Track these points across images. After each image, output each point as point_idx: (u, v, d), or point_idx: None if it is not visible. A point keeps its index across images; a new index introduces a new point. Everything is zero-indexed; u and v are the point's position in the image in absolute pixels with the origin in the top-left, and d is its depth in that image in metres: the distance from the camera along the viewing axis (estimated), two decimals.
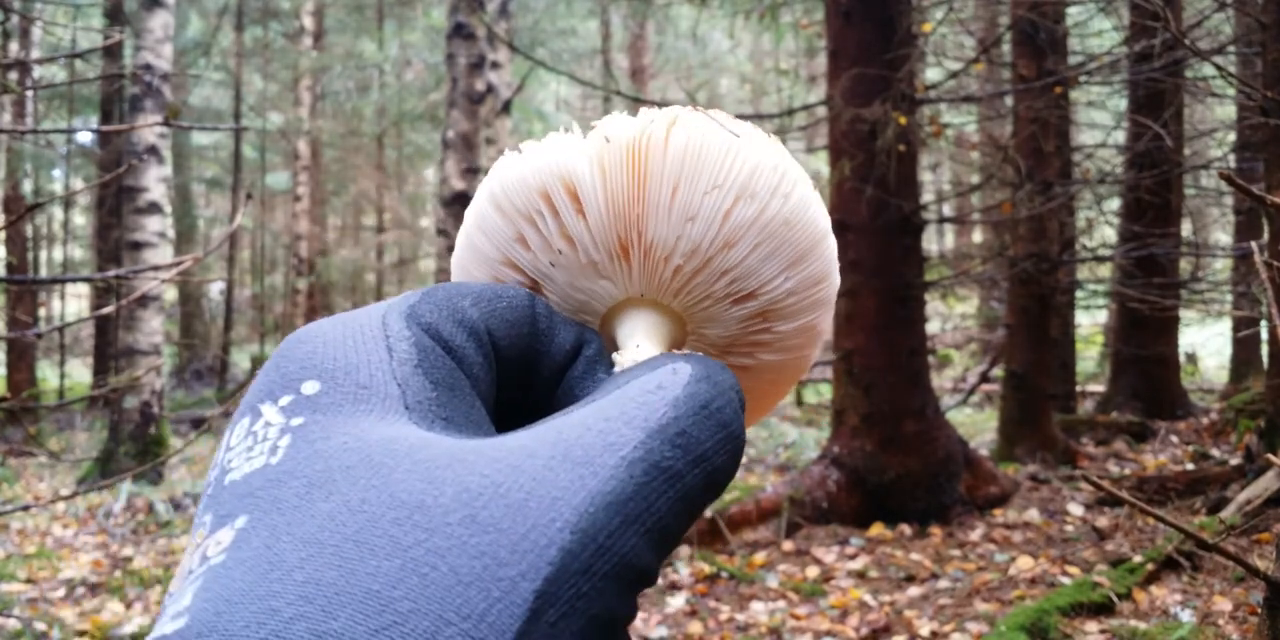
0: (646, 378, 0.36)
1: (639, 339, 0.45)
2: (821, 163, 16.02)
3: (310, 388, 0.35)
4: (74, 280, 2.08)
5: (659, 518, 0.31)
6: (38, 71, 9.97)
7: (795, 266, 0.46)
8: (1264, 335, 7.17)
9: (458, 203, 8.38)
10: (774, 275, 0.45)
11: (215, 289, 18.91)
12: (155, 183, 8.26)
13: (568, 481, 0.30)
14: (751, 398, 0.50)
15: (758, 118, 7.06)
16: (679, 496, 0.32)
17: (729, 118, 0.45)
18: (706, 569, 4.76)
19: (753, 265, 0.45)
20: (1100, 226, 8.89)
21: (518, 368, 0.42)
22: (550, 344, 0.43)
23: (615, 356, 0.44)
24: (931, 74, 7.85)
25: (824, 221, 0.46)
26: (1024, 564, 4.63)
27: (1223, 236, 12.25)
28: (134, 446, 8.05)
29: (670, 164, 0.43)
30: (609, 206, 0.44)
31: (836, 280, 0.49)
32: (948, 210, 11.81)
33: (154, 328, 8.24)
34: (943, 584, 4.49)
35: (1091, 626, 3.69)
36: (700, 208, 0.43)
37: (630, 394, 0.35)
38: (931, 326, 10.55)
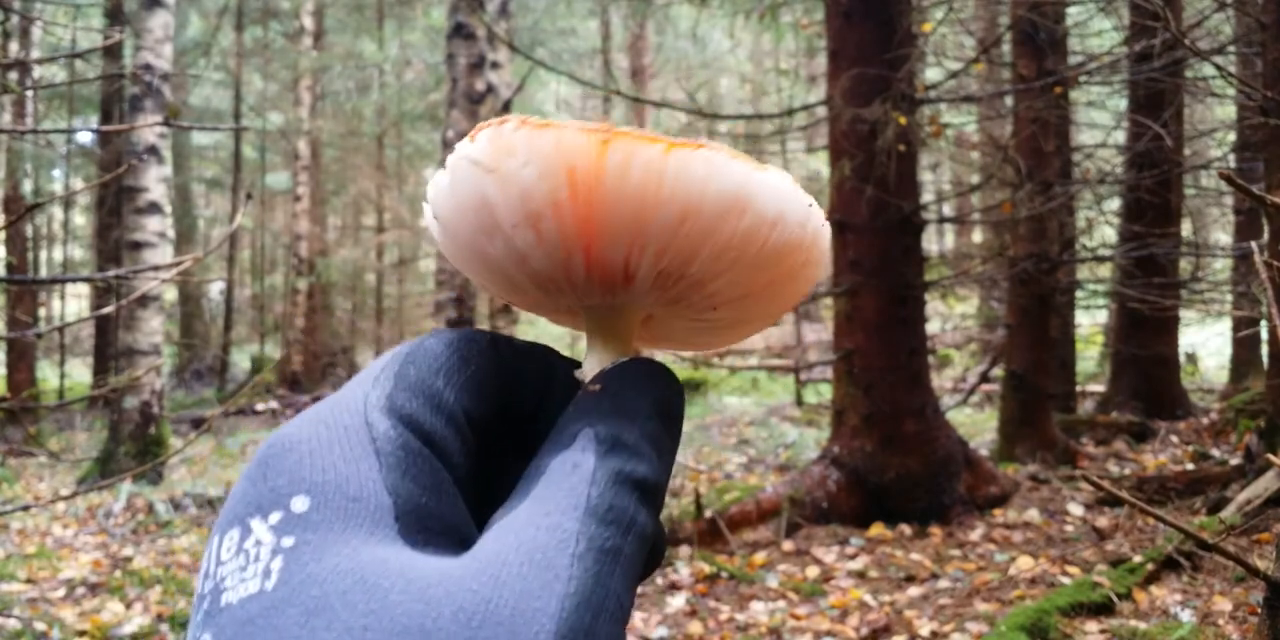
0: (563, 458, 0.39)
1: (596, 348, 0.47)
2: (821, 163, 16.02)
3: (300, 504, 0.36)
4: (74, 280, 2.08)
5: (617, 597, 0.35)
6: (38, 71, 9.97)
7: (774, 283, 0.46)
8: (1264, 335, 7.17)
9: None
10: (749, 288, 0.45)
11: (215, 289, 18.92)
12: (155, 183, 8.26)
13: (539, 589, 0.33)
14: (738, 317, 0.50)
15: (758, 118, 7.06)
16: (624, 570, 0.36)
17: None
18: (706, 569, 4.76)
19: (735, 284, 0.45)
20: (1100, 226, 8.89)
21: (494, 414, 0.44)
22: (521, 385, 0.45)
23: (576, 373, 0.46)
24: (931, 74, 7.85)
25: (813, 250, 0.46)
26: (1024, 564, 4.63)
27: (1223, 236, 12.24)
28: (134, 446, 8.05)
29: (676, 192, 0.41)
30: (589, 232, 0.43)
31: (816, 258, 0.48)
32: (948, 210, 11.81)
33: (154, 328, 8.24)
34: (943, 584, 4.49)
35: (1091, 626, 3.69)
36: (704, 241, 0.42)
37: (555, 480, 0.38)
38: (931, 326, 10.54)
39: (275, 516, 0.36)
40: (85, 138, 15.58)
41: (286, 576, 0.33)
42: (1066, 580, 4.29)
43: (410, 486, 0.37)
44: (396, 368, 0.42)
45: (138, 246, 8.12)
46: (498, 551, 0.35)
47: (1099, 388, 10.25)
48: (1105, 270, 10.22)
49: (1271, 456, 1.49)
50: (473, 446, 0.42)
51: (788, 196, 0.43)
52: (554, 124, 0.40)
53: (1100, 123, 9.50)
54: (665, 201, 0.40)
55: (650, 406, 0.42)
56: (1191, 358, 12.91)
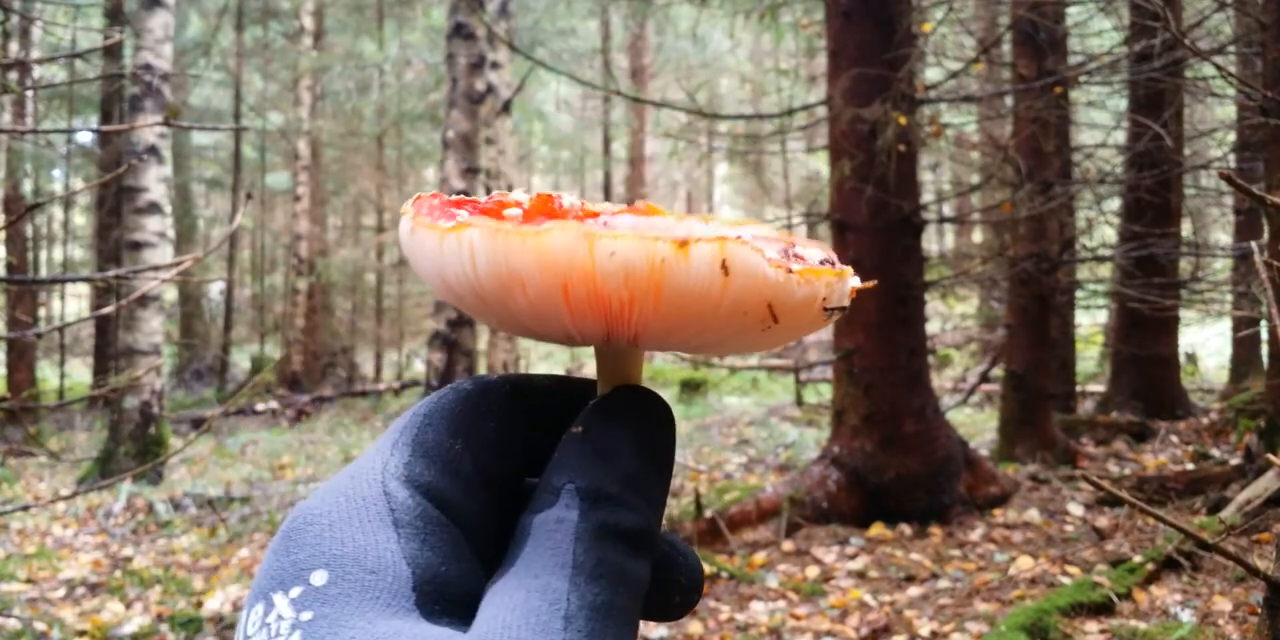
0: (545, 515, 0.39)
1: (603, 378, 0.45)
2: (821, 163, 16.02)
3: (319, 578, 0.37)
4: (74, 280, 2.08)
5: None
6: (38, 71, 9.97)
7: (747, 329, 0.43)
8: (1264, 335, 7.17)
9: None
10: (728, 335, 0.43)
11: (215, 289, 18.92)
12: (155, 183, 8.27)
13: None
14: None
15: (758, 118, 7.06)
16: (619, 622, 0.37)
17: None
18: (706, 569, 4.76)
19: (712, 335, 0.42)
20: (1100, 226, 8.89)
21: (518, 467, 0.44)
22: (547, 429, 0.45)
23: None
24: (931, 74, 7.85)
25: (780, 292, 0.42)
26: (1024, 564, 4.63)
27: (1223, 236, 12.24)
28: (134, 446, 8.06)
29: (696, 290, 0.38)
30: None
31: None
32: (948, 210, 11.80)
33: (154, 328, 8.24)
34: (943, 584, 4.49)
35: (1091, 626, 3.69)
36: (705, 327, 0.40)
37: (540, 539, 0.38)
38: (931, 326, 10.54)
39: (295, 591, 0.36)
40: (85, 138, 15.58)
41: None
42: (1066, 580, 4.29)
43: (429, 555, 0.38)
44: (414, 432, 0.42)
45: (138, 246, 8.12)
46: (496, 617, 0.35)
47: (1099, 388, 10.25)
48: (1105, 270, 10.23)
49: (1271, 456, 1.49)
50: (494, 506, 0.42)
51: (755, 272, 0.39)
52: (471, 224, 0.38)
53: (1100, 123, 9.50)
54: (647, 297, 0.38)
55: (632, 445, 0.41)
56: (1191, 358, 12.92)
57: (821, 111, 6.59)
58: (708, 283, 0.37)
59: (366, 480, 0.40)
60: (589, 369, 14.23)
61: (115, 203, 11.12)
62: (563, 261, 0.37)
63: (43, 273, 17.55)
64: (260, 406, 12.87)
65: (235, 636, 0.37)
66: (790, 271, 0.39)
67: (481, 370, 11.38)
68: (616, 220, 0.47)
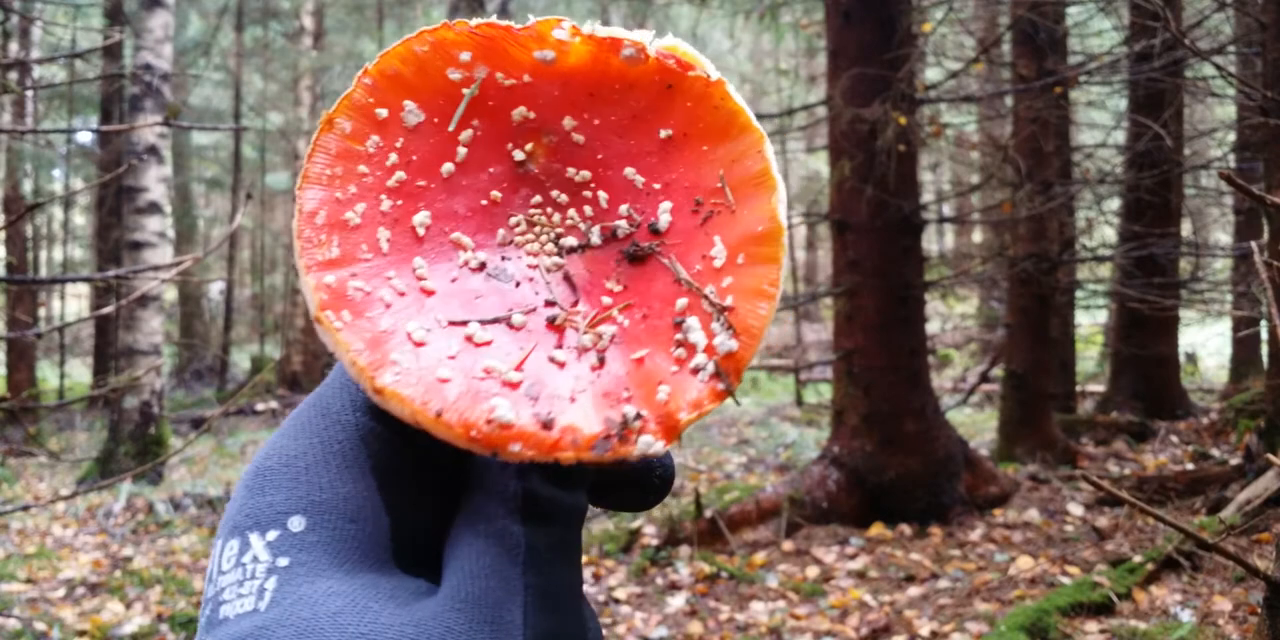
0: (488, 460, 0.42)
1: None
2: (821, 163, 16.02)
3: (296, 524, 0.37)
4: (74, 280, 2.08)
5: (568, 586, 0.40)
6: (38, 71, 9.97)
7: None
8: (1264, 335, 7.17)
9: None
10: None
11: (215, 289, 18.91)
12: (155, 183, 8.26)
13: (506, 599, 0.37)
14: None
15: (758, 117, 7.06)
16: (569, 551, 0.40)
17: None
18: (706, 569, 4.76)
19: None
20: (1100, 226, 8.89)
21: None
22: None
23: None
24: (931, 74, 7.85)
25: None
26: (1024, 564, 4.63)
27: (1223, 236, 12.24)
28: (134, 446, 8.05)
29: None
30: None
31: None
32: (948, 210, 11.81)
33: (154, 328, 8.24)
34: (943, 584, 4.49)
35: (1091, 626, 3.69)
36: None
37: (489, 484, 0.41)
38: (931, 326, 10.54)
39: (272, 534, 0.37)
40: (85, 138, 15.58)
41: (279, 597, 0.35)
42: (1066, 580, 4.29)
43: (404, 504, 0.39)
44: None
45: (138, 246, 8.12)
46: (462, 567, 0.37)
47: (1099, 388, 10.25)
48: (1105, 270, 10.23)
49: (1271, 456, 1.49)
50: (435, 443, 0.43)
51: None
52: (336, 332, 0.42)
53: (1100, 123, 9.50)
54: None
55: None
56: (1191, 358, 12.91)
57: (821, 111, 6.59)
58: None
59: (339, 421, 0.41)
60: None
61: (115, 203, 11.12)
62: None
63: (43, 273, 17.55)
64: (260, 406, 12.87)
65: (209, 566, 0.38)
66: None
67: None
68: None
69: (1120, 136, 8.71)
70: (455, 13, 8.67)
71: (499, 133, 0.54)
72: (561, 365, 0.46)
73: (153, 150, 8.23)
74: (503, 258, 0.52)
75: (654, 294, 0.49)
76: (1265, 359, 7.16)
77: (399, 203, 0.51)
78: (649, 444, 0.43)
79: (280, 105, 17.72)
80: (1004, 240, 8.05)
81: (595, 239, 0.52)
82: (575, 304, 0.50)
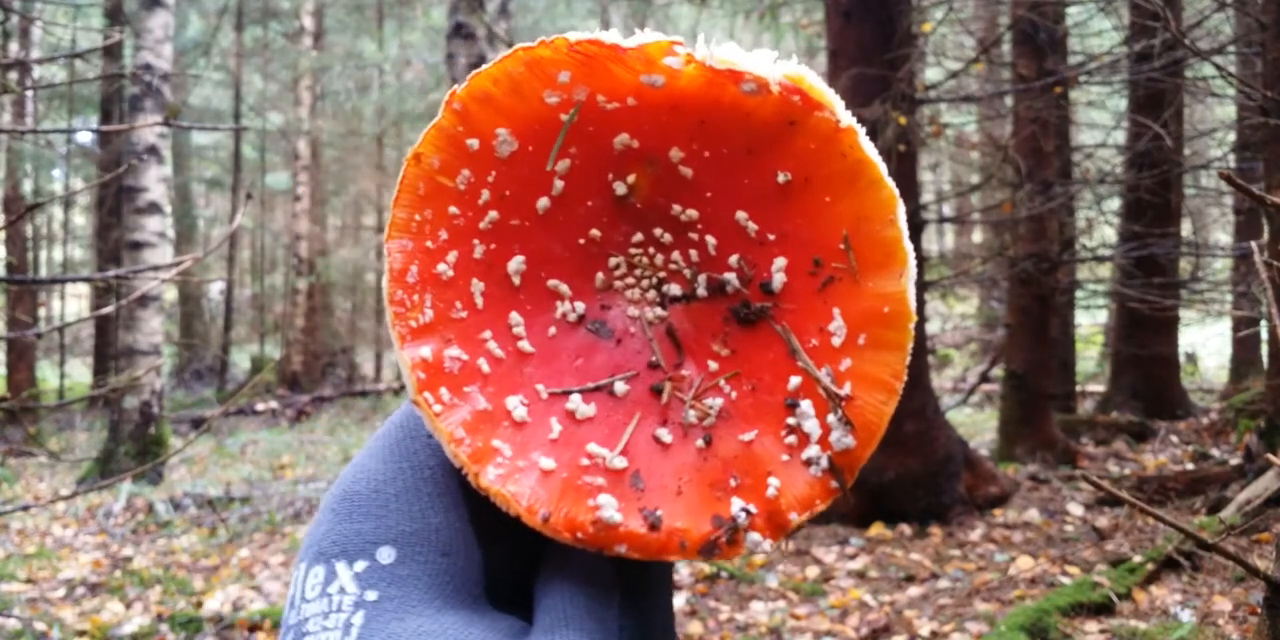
0: None
1: None
2: None
3: (386, 555, 0.35)
4: (74, 280, 2.08)
5: (663, 627, 0.42)
6: (38, 71, 9.97)
7: None
8: (1264, 335, 7.17)
9: None
10: None
11: (215, 289, 18.91)
12: (155, 183, 8.26)
13: None
14: None
15: None
16: (661, 599, 0.41)
17: None
18: (706, 569, 4.76)
19: None
20: (1100, 226, 8.89)
21: None
22: None
23: None
24: (931, 74, 7.85)
25: None
26: (1024, 564, 4.63)
27: (1223, 236, 12.23)
28: (134, 446, 8.05)
29: None
30: None
31: None
32: (948, 210, 11.81)
33: (154, 328, 8.24)
34: (943, 584, 4.49)
35: (1091, 626, 3.69)
36: None
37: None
38: (931, 326, 10.54)
39: (360, 565, 0.35)
40: (85, 138, 15.58)
41: (366, 634, 0.33)
42: (1066, 580, 4.29)
43: (494, 535, 0.37)
44: None
45: (138, 246, 8.12)
46: (556, 608, 0.36)
47: (1099, 388, 10.25)
48: (1105, 270, 10.22)
49: (1271, 456, 1.49)
50: None
51: None
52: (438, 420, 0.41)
53: (1100, 123, 9.50)
54: None
55: None
56: (1191, 358, 12.91)
57: None
58: None
59: (429, 444, 0.39)
60: None
61: (115, 203, 11.12)
62: None
63: (43, 273, 17.55)
64: (260, 406, 12.87)
65: (290, 592, 0.36)
66: None
67: None
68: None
69: (1120, 136, 8.71)
70: (455, 12, 8.68)
71: (599, 162, 0.49)
72: (666, 448, 0.44)
73: (153, 150, 8.23)
74: (602, 306, 0.49)
75: (764, 365, 0.46)
76: (1265, 359, 7.16)
77: (492, 247, 0.48)
78: (756, 543, 0.41)
79: (280, 105, 17.73)
80: (1004, 240, 8.05)
81: (701, 290, 0.49)
82: (679, 366, 0.47)
